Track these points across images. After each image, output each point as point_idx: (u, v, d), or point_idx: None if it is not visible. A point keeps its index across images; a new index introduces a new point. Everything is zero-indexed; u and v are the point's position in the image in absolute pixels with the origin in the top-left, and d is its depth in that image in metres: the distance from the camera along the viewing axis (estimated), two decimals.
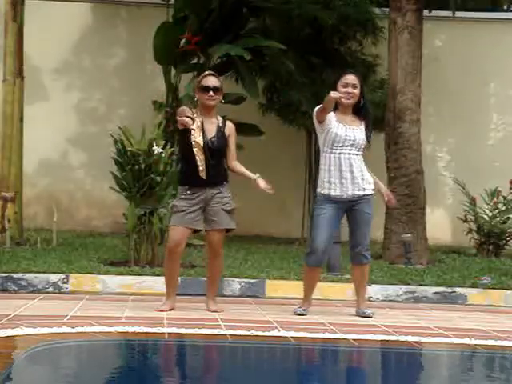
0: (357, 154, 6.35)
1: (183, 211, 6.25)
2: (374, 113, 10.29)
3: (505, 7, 14.62)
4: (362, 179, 6.34)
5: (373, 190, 6.43)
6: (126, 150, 8.06)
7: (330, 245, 6.46)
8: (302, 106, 10.74)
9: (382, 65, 11.14)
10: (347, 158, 6.30)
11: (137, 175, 8.01)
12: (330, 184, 6.32)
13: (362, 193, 6.34)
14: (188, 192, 6.28)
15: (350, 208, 6.38)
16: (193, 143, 6.23)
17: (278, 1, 10.86)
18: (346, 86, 6.32)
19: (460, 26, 12.46)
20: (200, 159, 6.23)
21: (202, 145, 6.24)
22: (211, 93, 6.31)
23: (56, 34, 11.94)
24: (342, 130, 6.30)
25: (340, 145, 6.30)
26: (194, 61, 10.89)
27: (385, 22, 10.33)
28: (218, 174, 6.34)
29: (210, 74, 6.47)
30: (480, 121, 12.64)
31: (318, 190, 6.42)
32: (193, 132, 6.24)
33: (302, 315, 6.37)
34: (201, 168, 6.23)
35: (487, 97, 12.71)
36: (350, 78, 6.35)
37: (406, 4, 9.47)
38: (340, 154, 6.31)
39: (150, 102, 11.40)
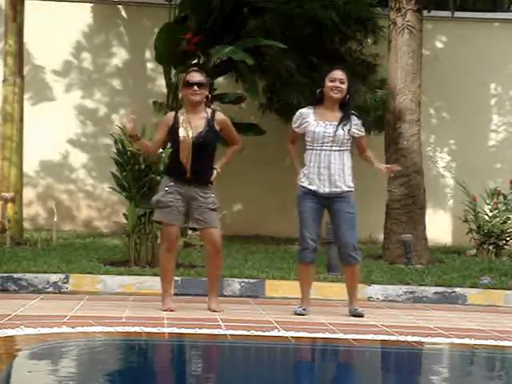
0: (339, 151, 6.34)
1: (169, 207, 6.24)
2: (373, 113, 10.33)
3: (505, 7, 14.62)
4: (340, 177, 6.32)
5: (351, 188, 6.39)
6: (126, 150, 8.06)
7: (319, 239, 6.50)
8: (301, 106, 10.74)
9: (381, 65, 11.15)
10: (327, 154, 6.32)
11: (137, 175, 8.01)
12: (309, 179, 6.35)
13: (339, 190, 6.32)
14: (171, 184, 6.26)
15: (329, 206, 6.38)
16: (180, 140, 6.23)
17: (279, 1, 10.86)
18: (333, 80, 6.37)
19: (460, 26, 12.47)
20: (185, 156, 6.21)
21: (188, 142, 6.22)
22: (195, 87, 6.26)
23: (56, 34, 11.95)
24: (321, 127, 6.35)
25: (320, 142, 6.34)
26: (195, 61, 10.90)
27: (385, 21, 10.33)
28: (204, 172, 6.31)
29: (194, 70, 6.48)
30: (480, 121, 12.64)
31: (299, 182, 6.44)
32: (180, 129, 6.25)
33: (302, 315, 6.37)
34: (186, 166, 6.21)
35: (487, 97, 12.72)
36: (338, 74, 6.40)
37: (405, 4, 9.48)
38: (321, 150, 6.34)
39: (151, 103, 11.42)
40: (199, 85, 6.28)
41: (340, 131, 6.34)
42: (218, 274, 6.59)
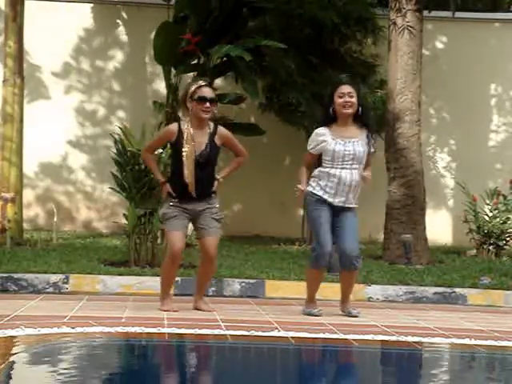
0: (358, 168, 6.30)
1: (175, 217, 6.19)
2: (373, 113, 10.32)
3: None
4: (354, 196, 6.32)
5: (356, 205, 6.40)
6: (126, 151, 8.06)
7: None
8: (300, 106, 10.75)
9: (382, 65, 11.15)
10: (348, 173, 6.26)
11: (137, 176, 8.01)
12: (325, 192, 6.28)
13: (349, 206, 6.33)
14: (176, 201, 6.21)
15: (337, 213, 6.33)
16: (183, 159, 6.13)
17: (279, 0, 10.86)
18: (342, 96, 6.27)
19: (460, 26, 12.47)
20: (189, 175, 6.13)
21: (192, 160, 6.12)
22: (207, 104, 6.14)
23: (56, 35, 11.95)
24: (340, 146, 6.24)
25: (340, 160, 6.25)
26: (195, 61, 10.89)
27: (385, 21, 10.33)
28: (208, 187, 6.27)
29: (205, 85, 6.30)
30: (480, 121, 12.65)
31: (310, 189, 6.33)
32: (184, 146, 6.13)
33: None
34: (190, 185, 6.13)
35: (488, 97, 12.72)
36: (346, 88, 6.31)
37: (405, 4, 9.48)
38: (342, 169, 6.26)
39: (151, 104, 11.42)
40: (211, 101, 6.18)
41: (361, 148, 6.28)
42: (209, 281, 6.71)
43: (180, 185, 6.19)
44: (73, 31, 12.12)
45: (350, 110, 6.28)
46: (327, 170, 6.28)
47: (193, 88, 6.24)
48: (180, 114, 9.53)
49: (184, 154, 6.14)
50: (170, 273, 6.37)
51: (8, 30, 9.79)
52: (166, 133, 6.36)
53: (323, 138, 6.30)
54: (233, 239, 11.05)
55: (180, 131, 6.20)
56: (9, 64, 9.77)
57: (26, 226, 10.50)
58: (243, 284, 7.57)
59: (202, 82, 6.36)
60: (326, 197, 6.27)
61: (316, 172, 6.38)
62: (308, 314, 6.39)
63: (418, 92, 9.60)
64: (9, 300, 6.72)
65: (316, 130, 6.40)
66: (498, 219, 10.42)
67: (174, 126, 6.31)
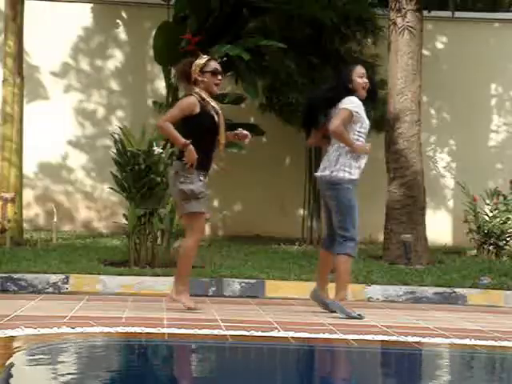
0: None
1: (204, 197, 6.19)
2: (373, 113, 10.35)
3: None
4: None
5: None
6: (126, 150, 8.05)
7: None
8: (301, 106, 10.74)
9: (382, 65, 11.15)
10: None
11: (137, 176, 8.00)
12: (359, 169, 6.33)
13: None
14: (203, 173, 6.20)
15: None
16: (217, 125, 6.18)
17: (279, 1, 10.86)
18: (362, 76, 6.35)
19: (460, 26, 12.47)
20: (222, 141, 6.20)
21: (222, 125, 6.21)
22: (219, 77, 6.25)
23: (56, 35, 11.94)
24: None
25: (366, 133, 6.41)
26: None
27: (385, 21, 10.33)
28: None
29: (213, 59, 6.38)
30: (480, 122, 12.64)
31: (347, 175, 6.26)
32: (213, 113, 6.18)
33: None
34: (222, 146, 6.21)
35: (488, 97, 12.71)
36: (363, 69, 6.40)
37: (406, 4, 9.47)
38: (365, 141, 6.40)
39: (150, 103, 11.41)
40: (221, 74, 6.30)
41: None
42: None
43: (207, 154, 6.18)
44: (72, 31, 12.12)
45: (365, 94, 6.39)
46: (360, 143, 6.34)
47: (203, 61, 6.23)
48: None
49: (216, 119, 6.17)
50: (192, 257, 6.33)
51: (8, 29, 9.79)
52: (191, 104, 6.19)
53: (361, 108, 6.35)
54: (233, 239, 11.05)
55: (205, 100, 6.19)
56: (8, 64, 9.77)
57: (25, 225, 10.50)
58: (243, 284, 7.57)
59: (208, 56, 6.38)
60: (359, 176, 6.34)
61: (348, 156, 6.29)
62: (349, 316, 6.23)
63: (418, 92, 9.60)
64: (9, 300, 6.72)
65: (353, 98, 6.30)
66: (498, 219, 10.41)
67: (193, 99, 6.20)
